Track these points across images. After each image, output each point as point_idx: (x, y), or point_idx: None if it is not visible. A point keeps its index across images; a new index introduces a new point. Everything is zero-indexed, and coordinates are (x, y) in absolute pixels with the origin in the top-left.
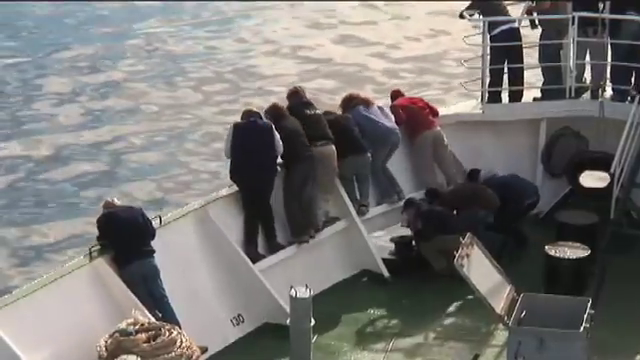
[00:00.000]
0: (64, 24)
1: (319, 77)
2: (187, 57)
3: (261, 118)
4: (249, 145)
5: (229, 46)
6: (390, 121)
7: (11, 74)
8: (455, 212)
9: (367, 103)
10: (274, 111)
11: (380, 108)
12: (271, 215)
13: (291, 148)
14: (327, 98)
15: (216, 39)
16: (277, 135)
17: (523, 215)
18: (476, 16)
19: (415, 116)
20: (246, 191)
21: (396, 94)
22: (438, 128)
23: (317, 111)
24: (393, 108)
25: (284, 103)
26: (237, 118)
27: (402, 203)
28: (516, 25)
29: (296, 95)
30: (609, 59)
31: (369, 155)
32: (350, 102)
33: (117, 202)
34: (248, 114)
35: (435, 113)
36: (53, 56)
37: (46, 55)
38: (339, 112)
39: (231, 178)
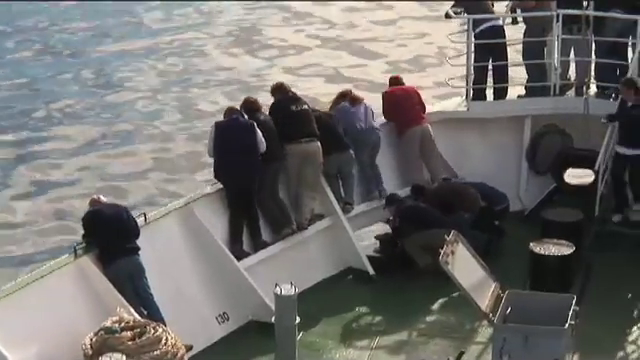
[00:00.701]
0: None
1: (305, 79)
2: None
3: (243, 116)
4: (232, 144)
5: (227, 47)
6: (372, 121)
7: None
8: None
9: (354, 101)
10: (248, 105)
11: (366, 107)
12: (256, 213)
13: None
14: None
15: (214, 40)
16: (259, 133)
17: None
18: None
19: (406, 111)
20: (231, 190)
21: (394, 81)
22: (427, 124)
23: (304, 107)
24: (384, 95)
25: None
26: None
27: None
28: (500, 23)
29: (279, 90)
30: (593, 56)
31: (351, 152)
32: (340, 99)
33: (103, 199)
34: (230, 112)
35: (424, 109)
36: (56, 57)
37: (47, 54)
38: (328, 108)
39: (215, 177)
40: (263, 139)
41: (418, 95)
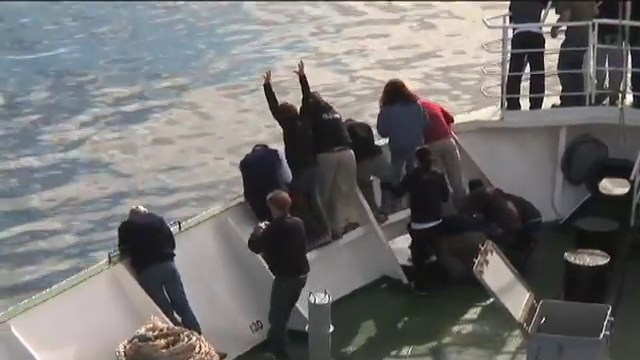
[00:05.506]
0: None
1: (337, 86)
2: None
3: (265, 147)
4: (260, 177)
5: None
6: (419, 127)
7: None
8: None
9: (408, 98)
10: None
11: (417, 107)
12: None
13: (295, 155)
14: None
15: (247, 49)
16: (285, 162)
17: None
18: (499, 22)
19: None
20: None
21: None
22: (450, 139)
23: (335, 115)
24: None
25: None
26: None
27: None
28: (537, 30)
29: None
30: (629, 66)
31: (384, 156)
32: (394, 95)
33: (142, 209)
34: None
35: (450, 120)
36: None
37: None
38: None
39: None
40: (288, 169)
41: (439, 108)
